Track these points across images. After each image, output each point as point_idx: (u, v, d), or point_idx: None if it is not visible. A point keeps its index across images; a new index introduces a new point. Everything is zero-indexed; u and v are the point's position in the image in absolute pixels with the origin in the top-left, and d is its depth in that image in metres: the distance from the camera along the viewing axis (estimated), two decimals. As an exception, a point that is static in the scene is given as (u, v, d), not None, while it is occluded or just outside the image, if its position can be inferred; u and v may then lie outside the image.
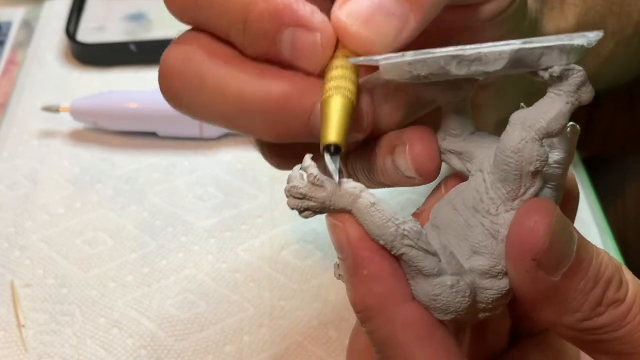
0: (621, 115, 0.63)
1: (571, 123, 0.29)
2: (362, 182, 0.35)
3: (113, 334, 0.46)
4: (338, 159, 0.27)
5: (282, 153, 0.34)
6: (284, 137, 0.30)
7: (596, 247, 0.27)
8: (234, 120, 0.30)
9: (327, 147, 0.27)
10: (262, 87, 0.29)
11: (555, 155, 0.28)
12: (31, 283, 0.48)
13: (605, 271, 0.27)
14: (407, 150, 0.31)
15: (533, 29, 0.39)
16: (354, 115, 0.29)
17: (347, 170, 0.35)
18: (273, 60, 0.30)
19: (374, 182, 0.34)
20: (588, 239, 0.27)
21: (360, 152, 0.33)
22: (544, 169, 0.28)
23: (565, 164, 0.28)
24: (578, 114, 0.28)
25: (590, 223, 0.52)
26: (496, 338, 0.33)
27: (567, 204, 0.29)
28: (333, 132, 0.28)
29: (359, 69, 0.30)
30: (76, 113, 0.58)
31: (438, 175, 0.31)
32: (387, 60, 0.28)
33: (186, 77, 0.31)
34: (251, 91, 0.29)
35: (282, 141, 0.31)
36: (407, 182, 0.32)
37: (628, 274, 0.27)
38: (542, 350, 0.33)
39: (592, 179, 0.55)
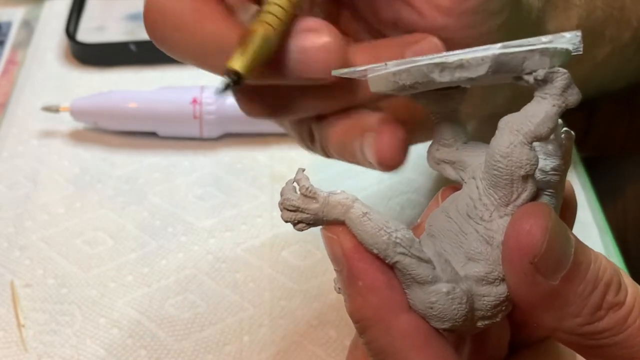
0: (621, 117, 0.63)
1: (565, 129, 0.29)
2: (332, 157, 0.35)
3: (113, 334, 0.46)
4: (233, 85, 0.29)
5: (254, 98, 0.35)
6: (262, 78, 0.31)
7: (594, 251, 0.27)
8: (209, 60, 0.32)
9: (228, 72, 0.29)
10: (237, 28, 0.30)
11: (552, 163, 0.28)
12: (31, 283, 0.48)
13: (604, 275, 0.26)
14: (373, 140, 0.31)
15: (536, 28, 0.39)
16: (301, 61, 0.30)
17: (322, 148, 0.36)
18: None
19: (343, 158, 0.34)
20: (588, 240, 0.27)
21: (332, 125, 0.34)
22: (543, 177, 0.28)
23: (562, 170, 0.28)
24: (577, 116, 0.28)
25: (590, 224, 0.52)
26: (496, 349, 0.33)
27: (565, 212, 0.29)
28: (236, 58, 0.29)
29: (294, 12, 0.31)
30: (76, 113, 0.58)
31: (401, 166, 0.31)
32: (372, 73, 0.29)
33: (165, 12, 0.32)
34: (231, 34, 0.30)
35: (257, 81, 0.32)
36: (372, 167, 0.32)
37: (626, 278, 0.27)
38: (540, 359, 0.33)
39: (592, 179, 0.55)
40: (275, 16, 0.30)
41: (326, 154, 0.36)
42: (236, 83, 0.28)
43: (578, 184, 0.54)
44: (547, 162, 0.28)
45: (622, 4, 0.47)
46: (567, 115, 0.28)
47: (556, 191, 0.28)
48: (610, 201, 0.59)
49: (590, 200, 0.53)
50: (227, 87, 0.28)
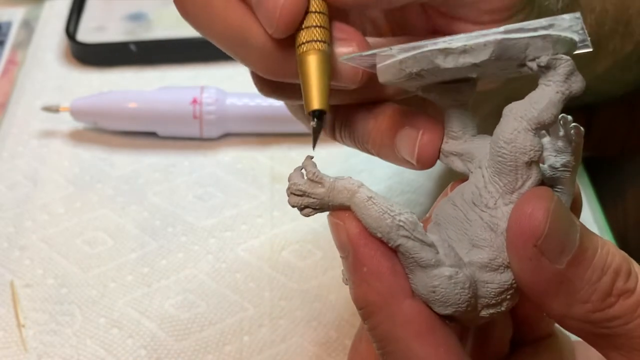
0: (621, 117, 0.63)
1: (574, 124, 0.29)
2: (339, 141, 0.35)
3: (113, 334, 0.46)
4: (322, 123, 0.28)
5: (272, 83, 0.34)
6: (278, 77, 0.31)
7: (601, 238, 0.27)
8: (232, 48, 0.31)
9: (313, 113, 0.28)
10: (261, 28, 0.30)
11: (562, 159, 0.28)
12: (31, 283, 0.48)
13: (613, 261, 0.26)
14: (418, 137, 0.31)
15: None
16: (334, 68, 0.29)
17: (332, 130, 0.35)
18: None
19: (359, 147, 0.34)
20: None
21: (351, 115, 0.33)
22: (553, 173, 0.28)
23: (572, 167, 0.29)
24: (578, 116, 0.28)
25: (590, 223, 0.52)
26: (498, 344, 0.33)
27: (572, 209, 0.29)
28: (315, 98, 0.28)
29: (327, 12, 0.30)
30: (76, 113, 0.58)
31: (434, 165, 0.31)
32: (379, 59, 0.29)
33: None
34: (254, 28, 0.30)
35: (275, 79, 0.31)
36: (401, 163, 0.32)
37: (637, 267, 0.27)
38: (541, 356, 0.33)
39: (592, 179, 0.55)
40: (320, 26, 0.29)
41: (334, 137, 0.36)
42: (322, 116, 0.28)
43: (578, 183, 0.54)
44: (557, 159, 0.28)
45: (628, 19, 0.47)
46: (567, 115, 0.28)
47: (566, 188, 0.28)
48: (610, 201, 0.59)
49: (590, 200, 0.54)
50: (318, 126, 0.28)
